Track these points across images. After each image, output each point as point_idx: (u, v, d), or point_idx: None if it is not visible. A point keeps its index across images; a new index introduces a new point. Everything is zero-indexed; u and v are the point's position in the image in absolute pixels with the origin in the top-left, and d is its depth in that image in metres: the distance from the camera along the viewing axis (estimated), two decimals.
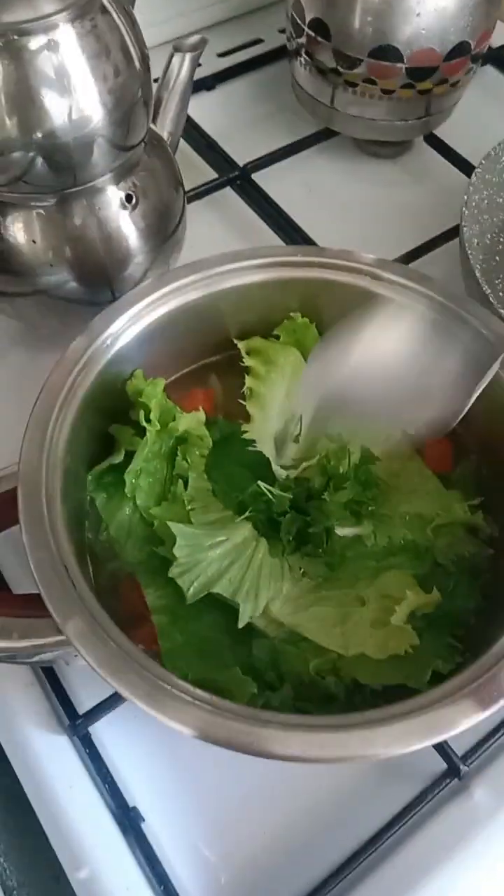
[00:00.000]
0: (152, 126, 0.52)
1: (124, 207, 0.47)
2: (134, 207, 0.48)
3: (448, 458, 0.48)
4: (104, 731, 0.44)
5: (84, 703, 0.44)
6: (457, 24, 0.59)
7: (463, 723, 0.33)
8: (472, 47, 0.61)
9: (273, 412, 0.47)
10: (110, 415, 0.44)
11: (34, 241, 0.46)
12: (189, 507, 0.43)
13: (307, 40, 0.63)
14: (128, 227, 0.48)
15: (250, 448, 0.45)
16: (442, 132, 0.70)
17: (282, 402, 0.47)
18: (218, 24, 0.79)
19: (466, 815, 0.43)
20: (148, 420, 0.44)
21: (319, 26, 0.61)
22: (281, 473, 0.45)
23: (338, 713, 0.38)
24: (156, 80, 0.53)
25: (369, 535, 0.44)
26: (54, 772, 0.43)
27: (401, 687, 0.38)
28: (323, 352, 0.44)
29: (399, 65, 0.60)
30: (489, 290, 0.51)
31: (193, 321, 0.46)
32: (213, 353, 0.50)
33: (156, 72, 0.53)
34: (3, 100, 0.39)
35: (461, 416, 0.42)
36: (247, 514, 0.43)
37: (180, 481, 0.44)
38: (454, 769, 0.43)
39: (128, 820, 0.42)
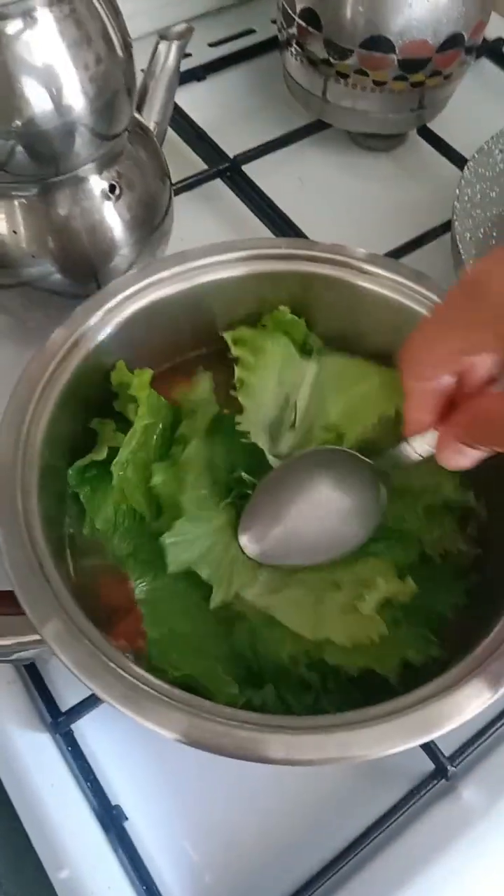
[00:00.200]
0: (138, 116, 0.51)
1: (108, 198, 0.47)
2: (118, 198, 0.47)
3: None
4: (87, 729, 0.44)
5: (67, 701, 0.44)
6: (450, 15, 0.58)
7: (447, 724, 0.32)
8: (466, 39, 0.60)
9: (265, 401, 0.46)
10: (92, 407, 0.44)
11: (15, 232, 0.46)
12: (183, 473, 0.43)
13: (298, 30, 0.62)
14: (112, 217, 0.48)
15: (243, 440, 0.44)
16: (436, 125, 0.70)
17: (274, 390, 0.46)
18: (209, 13, 0.78)
19: (454, 815, 0.43)
20: (135, 412, 0.43)
21: (310, 16, 0.60)
22: (276, 463, 0.45)
23: (314, 702, 0.39)
24: (143, 70, 0.52)
25: None
26: (36, 770, 0.43)
27: (373, 674, 0.38)
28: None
29: (391, 56, 0.59)
30: None
31: (178, 313, 0.46)
32: (201, 347, 0.49)
33: (144, 61, 0.52)
34: None
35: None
36: (229, 499, 0.43)
37: (182, 445, 0.44)
38: (441, 769, 0.43)
39: (110, 818, 0.41)
